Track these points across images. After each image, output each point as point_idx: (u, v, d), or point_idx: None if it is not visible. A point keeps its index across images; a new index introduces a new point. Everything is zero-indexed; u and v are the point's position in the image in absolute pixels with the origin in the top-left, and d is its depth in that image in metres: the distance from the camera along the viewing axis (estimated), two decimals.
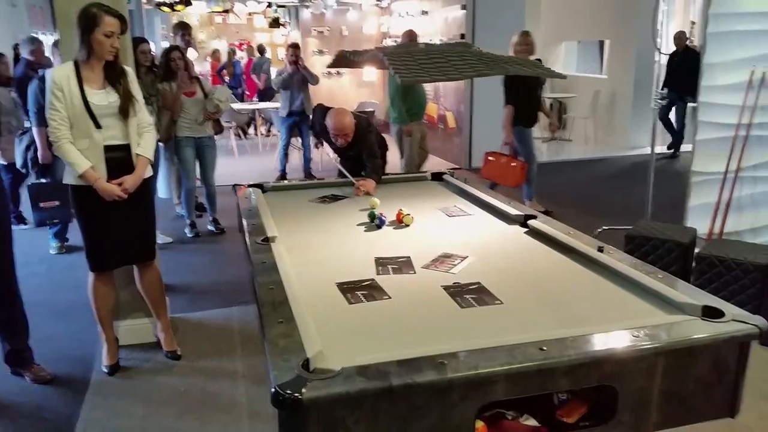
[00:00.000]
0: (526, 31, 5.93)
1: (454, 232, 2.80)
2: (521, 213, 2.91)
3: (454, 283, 2.15)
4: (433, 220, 2.99)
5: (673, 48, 8.42)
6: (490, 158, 5.80)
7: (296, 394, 1.40)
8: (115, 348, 3.23)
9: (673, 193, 5.26)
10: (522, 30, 5.99)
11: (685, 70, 7.67)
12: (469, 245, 2.57)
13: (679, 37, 8.43)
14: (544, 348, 1.56)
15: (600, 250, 2.30)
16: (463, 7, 8.04)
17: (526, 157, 5.81)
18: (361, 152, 3.72)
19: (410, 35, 6.30)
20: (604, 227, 5.04)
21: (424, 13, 9.41)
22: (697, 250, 3.67)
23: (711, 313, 1.76)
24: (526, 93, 5.69)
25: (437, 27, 9.01)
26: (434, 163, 8.31)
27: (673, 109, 8.61)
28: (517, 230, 2.79)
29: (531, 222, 2.78)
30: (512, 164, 5.64)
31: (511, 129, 5.76)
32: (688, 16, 10.42)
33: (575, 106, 10.58)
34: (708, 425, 1.81)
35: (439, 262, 2.39)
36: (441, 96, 8.99)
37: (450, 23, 8.57)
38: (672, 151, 8.78)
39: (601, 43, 10.75)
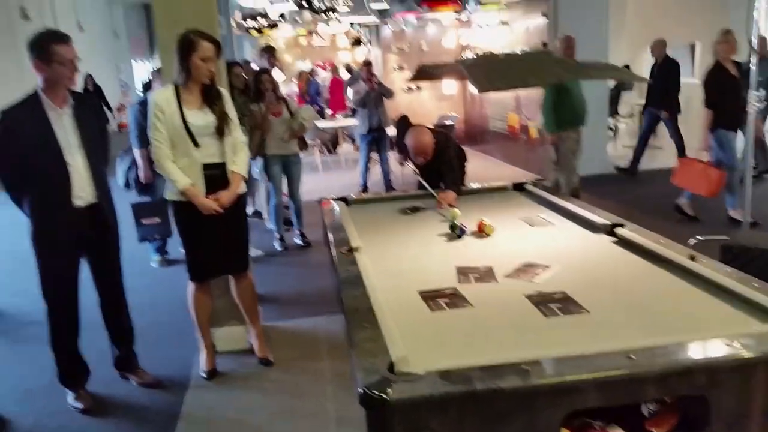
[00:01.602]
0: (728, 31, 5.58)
1: (537, 241, 2.79)
2: (608, 222, 2.85)
3: (538, 292, 2.14)
4: (515, 230, 2.99)
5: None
6: (683, 164, 5.40)
7: (383, 395, 1.46)
8: (213, 354, 3.42)
9: None
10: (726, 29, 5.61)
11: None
12: (554, 254, 2.54)
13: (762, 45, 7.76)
14: (633, 356, 1.54)
15: (692, 258, 2.22)
16: (544, 15, 7.94)
17: (726, 164, 5.32)
18: (441, 166, 3.77)
19: (568, 41, 5.96)
20: (699, 237, 4.79)
21: (504, 23, 9.36)
22: None
23: None
24: (728, 92, 5.25)
25: (517, 37, 8.94)
26: (517, 174, 8.23)
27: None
28: (604, 239, 2.73)
29: (618, 230, 2.72)
30: (708, 171, 5.14)
31: (708, 133, 5.33)
32: None
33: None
34: None
35: (522, 272, 2.38)
36: (523, 106, 8.89)
37: (531, 33, 8.49)
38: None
39: (692, 47, 10.27)
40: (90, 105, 3.07)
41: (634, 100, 9.92)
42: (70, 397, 3.16)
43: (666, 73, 7.25)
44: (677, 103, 7.49)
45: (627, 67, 8.08)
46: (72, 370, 3.16)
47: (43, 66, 2.78)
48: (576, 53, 5.78)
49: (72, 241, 2.98)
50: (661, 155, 9.50)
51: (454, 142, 4.15)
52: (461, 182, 3.87)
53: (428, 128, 3.97)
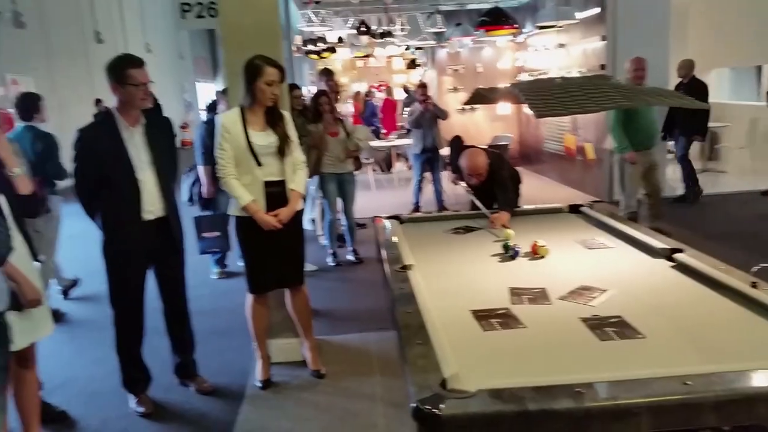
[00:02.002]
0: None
1: (593, 264, 2.77)
2: (667, 246, 2.80)
3: (593, 315, 2.13)
4: (570, 253, 2.97)
5: None
6: None
7: (435, 410, 1.49)
8: (268, 364, 3.52)
9: None
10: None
11: None
12: (610, 278, 2.52)
13: None
14: (689, 382, 1.52)
15: (753, 286, 2.17)
16: (603, 38, 7.87)
17: None
18: (494, 187, 3.78)
19: (638, 62, 5.75)
20: (763, 265, 4.62)
21: (561, 46, 9.31)
22: None
23: None
24: None
25: (575, 60, 8.87)
26: (573, 195, 8.12)
27: None
28: (663, 264, 2.69)
29: (678, 256, 2.67)
30: None
31: None
32: None
33: (729, 136, 9.81)
34: None
35: (577, 294, 2.37)
36: (580, 127, 8.79)
37: (589, 55, 8.41)
38: None
39: (759, 69, 9.94)
40: (161, 125, 3.24)
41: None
42: (132, 401, 3.30)
43: (691, 94, 7.04)
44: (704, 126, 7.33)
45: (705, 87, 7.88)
46: (135, 375, 3.31)
47: (118, 88, 2.97)
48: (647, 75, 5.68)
49: (141, 253, 3.15)
50: (724, 179, 9.21)
51: (509, 163, 4.16)
52: (515, 203, 3.88)
53: (482, 149, 4.00)
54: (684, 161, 7.59)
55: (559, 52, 9.36)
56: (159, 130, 3.19)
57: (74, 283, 5.28)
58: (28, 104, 4.55)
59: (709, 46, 10.23)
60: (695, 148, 7.63)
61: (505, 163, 4.03)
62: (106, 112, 3.10)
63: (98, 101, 11.09)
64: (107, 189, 3.04)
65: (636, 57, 5.67)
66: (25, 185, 2.54)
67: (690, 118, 7.15)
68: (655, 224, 5.74)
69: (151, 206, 3.10)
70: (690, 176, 7.60)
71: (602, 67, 7.87)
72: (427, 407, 1.50)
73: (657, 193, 5.85)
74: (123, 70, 2.96)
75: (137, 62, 3.02)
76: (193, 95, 18.49)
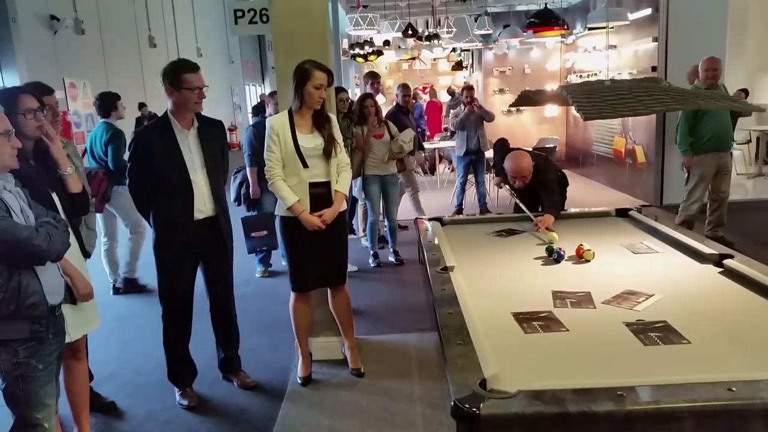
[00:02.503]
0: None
1: (639, 269, 2.72)
2: (716, 252, 2.73)
3: (638, 320, 2.10)
4: (616, 257, 2.92)
5: None
6: None
7: (474, 409, 1.50)
8: (309, 362, 3.57)
9: None
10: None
11: None
12: (656, 283, 2.47)
13: None
14: (733, 389, 1.49)
15: None
16: (655, 39, 7.68)
17: None
18: (539, 190, 3.75)
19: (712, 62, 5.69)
20: None
21: (612, 47, 9.13)
22: None
23: None
24: None
25: (626, 61, 8.68)
26: (621, 199, 7.95)
27: None
28: (711, 270, 2.63)
29: (727, 262, 2.60)
30: None
31: None
32: None
33: None
34: None
35: (622, 299, 2.34)
36: (630, 130, 8.60)
37: (640, 56, 8.22)
38: None
39: None
40: (213, 127, 3.33)
41: (750, 126, 9.33)
42: (176, 394, 3.40)
43: None
44: None
45: (745, 91, 7.61)
46: (181, 369, 3.41)
47: (173, 91, 3.07)
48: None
49: (191, 252, 3.24)
50: None
51: (554, 165, 4.11)
52: (560, 206, 3.83)
53: (527, 151, 3.97)
54: None
55: (610, 53, 9.18)
56: (211, 133, 3.28)
57: (134, 283, 5.44)
58: (107, 103, 5.06)
59: None
60: (748, 152, 7.35)
61: (551, 166, 3.98)
62: (161, 116, 3.20)
63: (142, 105, 11.15)
64: (161, 188, 3.15)
65: (710, 57, 5.48)
66: (75, 184, 2.65)
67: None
68: (717, 232, 5.56)
69: (203, 206, 3.19)
70: None
71: (653, 69, 7.69)
72: (467, 406, 1.51)
73: (722, 200, 5.64)
74: (179, 74, 3.06)
75: (192, 67, 3.11)
76: (242, 98, 18.88)
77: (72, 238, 2.50)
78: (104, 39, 11.43)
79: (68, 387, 2.90)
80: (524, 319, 2.18)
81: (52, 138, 2.56)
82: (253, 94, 19.50)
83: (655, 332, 1.98)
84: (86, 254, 2.89)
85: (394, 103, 6.84)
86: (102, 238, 5.24)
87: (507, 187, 4.08)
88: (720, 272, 2.57)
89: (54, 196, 2.53)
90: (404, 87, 6.87)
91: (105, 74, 11.57)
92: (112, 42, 11.74)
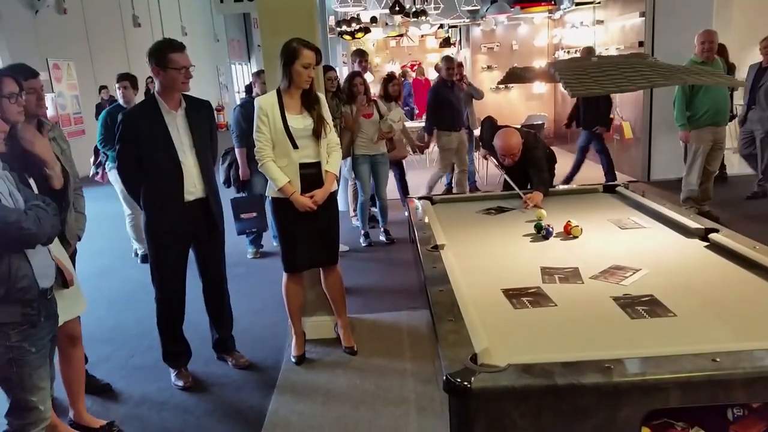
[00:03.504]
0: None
1: (626, 244, 2.76)
2: (701, 226, 2.77)
3: (625, 294, 2.14)
4: (604, 232, 2.96)
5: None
6: None
7: (466, 383, 1.53)
8: (302, 341, 3.61)
9: None
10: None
11: None
12: (643, 258, 2.51)
13: None
14: (717, 359, 1.53)
15: None
16: (642, 14, 7.67)
17: None
18: (528, 166, 3.77)
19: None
20: None
21: (599, 22, 9.11)
22: None
23: None
24: None
25: (613, 36, 8.67)
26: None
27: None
28: (697, 244, 2.67)
29: (712, 236, 2.64)
30: None
31: None
32: None
33: None
34: None
35: (609, 274, 2.38)
36: (617, 105, 8.61)
37: (627, 31, 8.22)
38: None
39: None
40: (201, 108, 3.31)
41: (737, 101, 9.38)
42: (172, 375, 3.43)
43: None
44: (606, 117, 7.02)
45: (732, 65, 7.64)
46: (175, 350, 3.43)
47: (160, 71, 3.05)
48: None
49: (182, 233, 3.24)
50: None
51: (543, 142, 4.12)
52: (549, 183, 3.86)
53: (516, 128, 3.98)
54: (583, 153, 7.31)
55: (597, 28, 9.16)
56: (199, 113, 3.26)
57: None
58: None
59: (757, 19, 9.85)
60: (735, 127, 7.38)
61: (539, 143, 4.00)
62: (149, 97, 3.18)
63: (102, 88, 10.66)
64: (150, 171, 3.14)
65: (705, 30, 5.53)
66: (59, 181, 2.65)
67: (593, 110, 6.84)
68: (703, 207, 5.64)
69: (192, 188, 3.19)
70: (609, 167, 7.24)
71: (640, 44, 7.69)
72: (458, 380, 1.55)
73: (710, 175, 5.73)
74: (164, 54, 3.03)
75: (178, 46, 3.08)
76: (228, 78, 18.69)
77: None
78: (87, 18, 11.24)
79: (64, 373, 2.93)
80: (514, 295, 2.21)
81: (36, 148, 2.54)
82: (239, 73, 19.29)
83: (641, 306, 2.03)
84: (65, 240, 2.86)
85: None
86: (126, 210, 5.46)
87: (494, 159, 4.09)
88: (706, 246, 2.62)
89: (31, 181, 2.51)
90: (448, 59, 6.78)
91: (89, 55, 11.41)
92: (96, 22, 11.55)
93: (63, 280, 2.52)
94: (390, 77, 5.88)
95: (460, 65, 7.58)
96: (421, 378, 3.22)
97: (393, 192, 6.20)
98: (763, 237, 2.60)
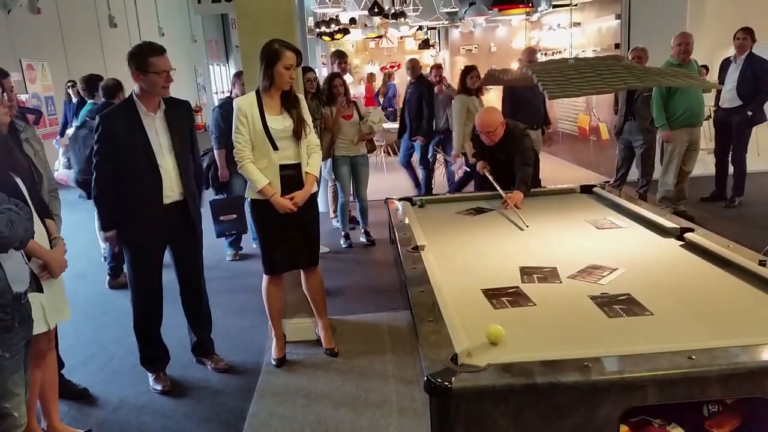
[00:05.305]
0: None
1: (603, 244, 2.79)
2: (677, 226, 2.82)
3: (602, 293, 2.17)
4: (581, 232, 3.00)
5: None
6: None
7: (446, 383, 1.54)
8: (283, 343, 3.59)
9: None
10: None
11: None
12: (620, 257, 2.55)
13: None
14: (693, 357, 1.56)
15: (762, 264, 2.19)
16: (618, 17, 7.78)
17: None
18: (513, 156, 3.75)
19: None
20: None
21: (576, 24, 9.21)
22: None
23: None
24: None
25: (589, 38, 8.78)
26: (586, 176, 8.09)
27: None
28: (672, 243, 2.71)
29: (688, 235, 2.69)
30: None
31: None
32: None
33: None
34: None
35: (587, 273, 2.40)
36: (594, 107, 8.73)
37: (604, 33, 8.32)
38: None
39: None
40: (180, 109, 3.27)
41: (709, 102, 9.55)
42: (150, 379, 3.39)
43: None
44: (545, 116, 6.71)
45: (705, 68, 7.78)
46: (153, 354, 3.39)
47: (140, 75, 3.00)
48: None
49: (159, 236, 3.20)
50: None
51: (532, 142, 4.06)
52: (531, 182, 3.82)
53: (506, 120, 3.93)
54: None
55: (574, 30, 9.27)
56: (179, 114, 3.22)
57: None
58: (92, 85, 5.53)
59: (729, 21, 10.03)
60: (709, 128, 7.51)
61: (528, 139, 3.95)
62: (127, 99, 3.13)
63: (70, 84, 9.68)
64: (127, 175, 3.09)
65: (681, 32, 5.67)
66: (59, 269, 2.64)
67: (532, 108, 6.61)
68: (678, 207, 5.74)
69: (170, 191, 3.15)
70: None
71: (617, 46, 7.79)
72: (439, 380, 1.55)
73: (685, 175, 5.84)
74: (145, 58, 2.98)
75: (159, 50, 3.03)
76: (207, 78, 18.52)
77: (40, 226, 2.47)
78: (62, 19, 11.06)
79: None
80: (493, 295, 2.23)
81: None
82: (218, 74, 19.13)
83: (619, 305, 2.05)
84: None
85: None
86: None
87: (486, 170, 4.00)
88: (681, 245, 2.66)
89: (18, 181, 2.47)
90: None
91: (64, 55, 11.22)
92: (71, 22, 11.37)
93: (37, 285, 2.48)
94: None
95: (439, 67, 7.61)
96: (402, 379, 3.23)
97: (375, 194, 6.20)
98: (733, 236, 2.65)
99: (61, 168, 5.48)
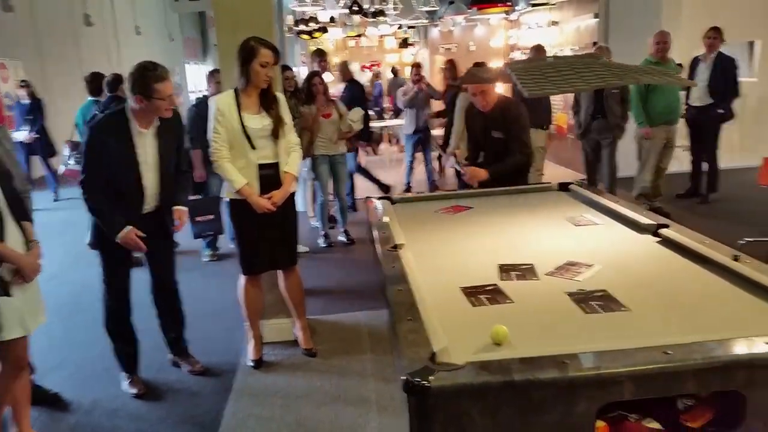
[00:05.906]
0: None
1: (580, 240, 2.79)
2: (653, 222, 2.84)
3: (579, 290, 2.16)
4: (558, 229, 3.00)
5: None
6: None
7: (425, 383, 1.52)
8: (260, 344, 3.55)
9: None
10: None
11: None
12: (596, 254, 2.55)
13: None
14: (669, 352, 1.56)
15: (735, 259, 2.21)
16: (596, 16, 7.86)
17: None
18: (509, 133, 3.70)
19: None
20: (748, 239, 4.68)
21: (554, 23, 9.29)
22: None
23: None
24: None
25: (568, 37, 8.86)
26: (563, 174, 8.14)
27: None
28: (648, 239, 2.72)
29: (663, 231, 2.70)
30: None
31: None
32: None
33: None
34: None
35: (564, 270, 2.40)
36: (571, 105, 8.79)
37: (582, 32, 8.40)
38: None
39: (751, 45, 9.92)
40: (173, 123, 3.19)
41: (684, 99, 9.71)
42: (124, 382, 3.34)
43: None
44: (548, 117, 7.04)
45: (680, 66, 7.89)
46: (126, 356, 3.34)
47: (144, 101, 2.94)
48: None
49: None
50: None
51: (527, 120, 3.95)
52: (510, 171, 3.77)
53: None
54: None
55: (552, 29, 9.34)
56: (170, 127, 3.16)
57: None
58: (95, 83, 5.81)
59: (703, 21, 10.19)
60: (685, 125, 7.63)
61: (525, 117, 3.86)
62: (118, 111, 3.06)
63: (23, 84, 9.30)
64: (110, 188, 3.03)
65: (660, 30, 5.75)
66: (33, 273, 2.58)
67: (538, 108, 6.69)
68: (654, 203, 5.81)
69: (149, 204, 3.12)
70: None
71: (595, 44, 7.87)
72: (417, 380, 1.54)
73: (661, 171, 5.92)
74: (149, 84, 2.91)
75: (162, 76, 2.96)
76: (183, 77, 18.32)
77: (15, 228, 2.43)
78: (35, 17, 10.86)
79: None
80: (472, 292, 2.21)
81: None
82: (195, 72, 18.93)
83: (595, 301, 2.05)
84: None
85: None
86: None
87: (452, 162, 4.00)
88: (657, 242, 2.68)
89: None
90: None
91: (39, 54, 11.02)
92: (45, 20, 11.17)
93: (5, 291, 2.42)
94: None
95: (419, 66, 7.61)
96: (381, 377, 3.21)
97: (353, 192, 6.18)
98: (708, 232, 2.67)
99: (73, 162, 5.54)
